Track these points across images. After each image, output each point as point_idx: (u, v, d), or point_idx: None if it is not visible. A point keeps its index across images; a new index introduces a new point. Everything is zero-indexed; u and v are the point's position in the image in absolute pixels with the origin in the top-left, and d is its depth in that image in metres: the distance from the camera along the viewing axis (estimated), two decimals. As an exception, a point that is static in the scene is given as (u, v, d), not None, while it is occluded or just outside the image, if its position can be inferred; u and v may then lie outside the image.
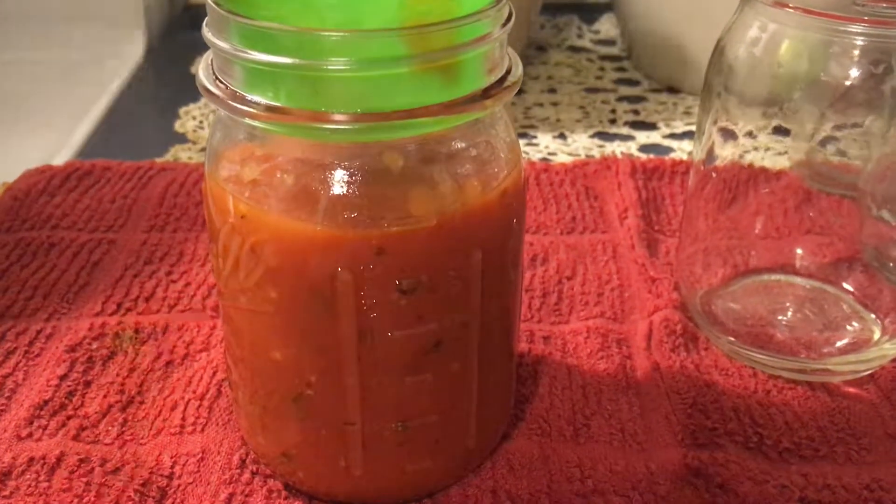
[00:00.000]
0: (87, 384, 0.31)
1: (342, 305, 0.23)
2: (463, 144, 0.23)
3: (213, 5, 0.21)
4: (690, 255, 0.35)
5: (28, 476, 0.27)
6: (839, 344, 0.32)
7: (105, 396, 0.31)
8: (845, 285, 0.35)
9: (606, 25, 0.67)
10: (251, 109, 0.21)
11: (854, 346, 0.32)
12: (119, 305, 0.35)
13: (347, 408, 0.24)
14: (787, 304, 0.35)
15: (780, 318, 0.34)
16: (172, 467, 0.28)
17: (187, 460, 0.28)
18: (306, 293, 0.23)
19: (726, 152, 0.35)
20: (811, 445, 0.29)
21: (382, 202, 0.22)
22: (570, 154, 0.48)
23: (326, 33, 0.20)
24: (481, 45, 0.21)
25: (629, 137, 0.50)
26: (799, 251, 0.36)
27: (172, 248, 0.39)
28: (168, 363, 0.32)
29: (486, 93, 0.22)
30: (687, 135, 0.50)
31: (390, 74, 0.20)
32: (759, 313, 0.34)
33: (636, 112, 0.53)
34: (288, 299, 0.23)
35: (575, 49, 0.63)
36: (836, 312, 0.34)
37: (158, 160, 0.47)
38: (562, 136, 0.50)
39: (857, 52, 0.28)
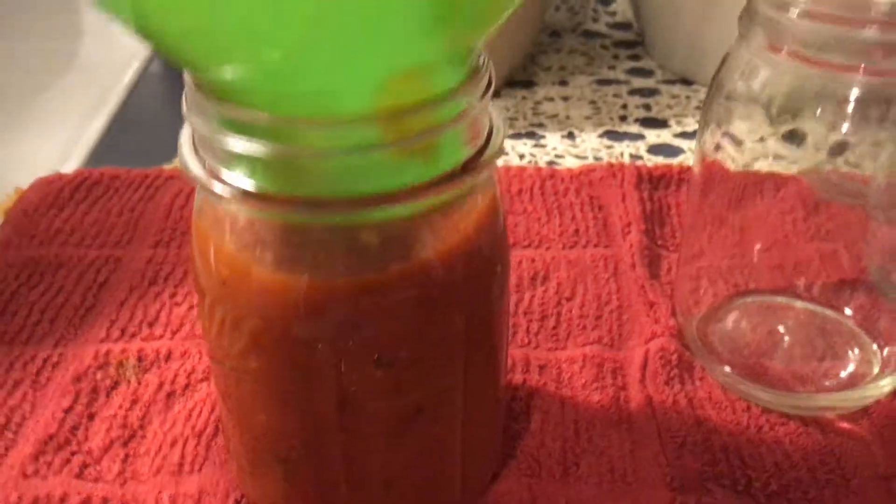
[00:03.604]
0: (91, 417, 0.32)
1: (321, 377, 0.23)
2: (442, 214, 0.23)
3: (191, 85, 0.21)
4: (688, 276, 0.35)
5: (33, 516, 0.28)
6: (836, 379, 0.32)
7: (108, 430, 0.32)
8: (847, 311, 0.35)
9: (623, 5, 0.66)
10: (225, 194, 0.21)
11: (851, 382, 0.32)
12: (123, 331, 0.36)
13: (331, 471, 0.25)
14: (786, 331, 0.34)
15: (777, 346, 0.34)
16: (170, 508, 0.29)
17: (185, 501, 0.29)
18: (286, 365, 0.23)
19: (728, 160, 0.34)
20: (799, 488, 0.29)
21: (360, 278, 0.22)
22: (577, 156, 0.48)
23: (301, 122, 0.20)
24: (460, 121, 0.21)
25: (639, 137, 0.49)
26: (801, 270, 0.36)
27: (177, 266, 0.40)
28: (169, 394, 0.33)
29: (467, 167, 0.22)
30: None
31: (366, 160, 0.20)
32: (756, 341, 0.34)
33: (647, 107, 0.52)
34: (268, 369, 0.23)
35: (589, 34, 0.61)
36: (836, 341, 0.34)
37: (167, 167, 0.48)
38: (570, 135, 0.49)
39: (854, 101, 0.27)
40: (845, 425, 0.31)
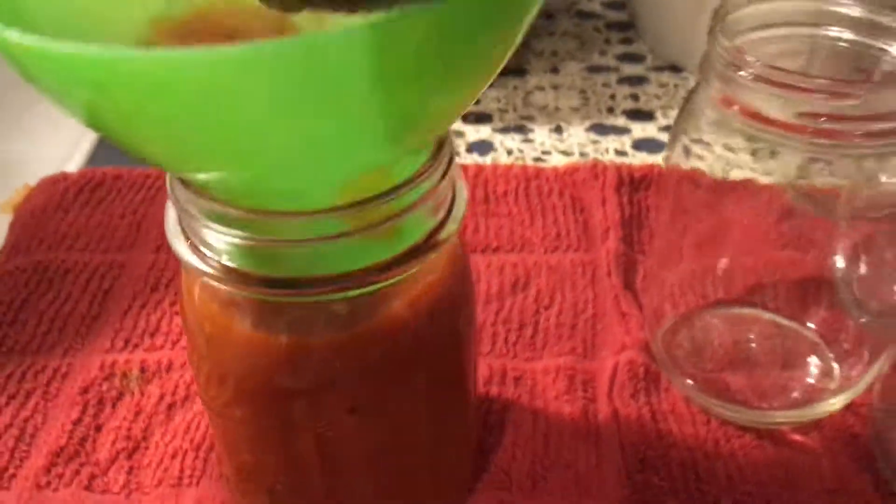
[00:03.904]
0: (98, 429, 0.35)
1: (300, 424, 0.25)
2: (409, 283, 0.25)
3: (177, 181, 0.23)
4: (656, 288, 0.37)
5: (47, 527, 0.31)
6: (792, 395, 0.34)
7: (114, 443, 0.34)
8: (810, 324, 0.36)
9: (619, -20, 0.66)
10: (207, 269, 0.23)
11: (807, 399, 0.34)
12: (127, 342, 0.38)
13: (314, 499, 0.27)
14: (748, 344, 0.36)
15: (739, 359, 0.36)
16: (171, 519, 0.31)
17: (184, 513, 0.32)
18: (268, 414, 0.25)
19: (699, 168, 0.35)
20: (750, 502, 0.31)
21: (333, 338, 0.24)
22: (564, 152, 0.49)
23: (270, 215, 0.22)
24: (422, 203, 0.23)
25: (625, 130, 0.50)
26: (767, 282, 0.38)
27: (177, 272, 0.42)
28: (170, 405, 0.36)
29: (430, 239, 0.24)
30: (682, 127, 0.50)
31: (333, 245, 0.22)
32: (719, 354, 0.36)
33: (635, 97, 0.53)
34: (252, 417, 0.26)
35: (583, 15, 0.62)
36: (797, 355, 0.36)
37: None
38: (558, 129, 0.51)
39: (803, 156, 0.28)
40: (797, 437, 0.33)
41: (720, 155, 0.32)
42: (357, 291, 0.23)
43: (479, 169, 0.47)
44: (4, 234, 0.45)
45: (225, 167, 0.20)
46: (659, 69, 0.56)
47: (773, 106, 0.26)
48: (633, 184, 0.45)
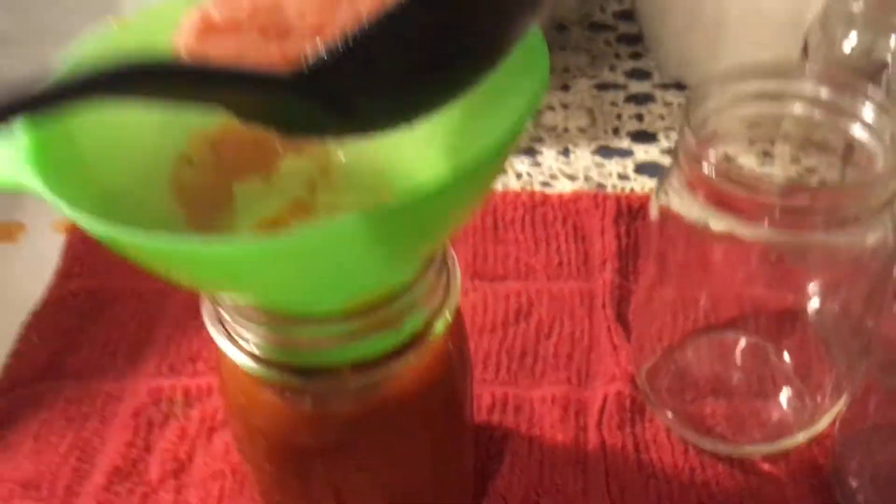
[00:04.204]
0: (148, 450, 0.40)
1: (319, 477, 0.30)
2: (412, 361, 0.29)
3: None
4: (643, 321, 0.41)
5: (108, 541, 0.36)
6: (764, 429, 0.38)
7: (162, 463, 0.39)
8: (785, 353, 0.40)
9: (632, -12, 0.68)
10: (239, 356, 0.27)
11: (776, 433, 0.38)
12: (171, 368, 0.43)
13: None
14: (726, 373, 0.40)
15: (716, 392, 0.39)
16: (213, 536, 0.36)
17: (224, 531, 0.37)
18: (292, 468, 0.30)
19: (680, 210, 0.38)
20: (717, 527, 0.36)
21: (348, 412, 0.28)
22: (570, 176, 0.52)
23: (289, 321, 0.26)
24: (424, 300, 0.27)
25: (628, 153, 0.54)
26: (748, 312, 0.41)
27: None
28: (210, 429, 0.40)
29: (428, 328, 0.28)
30: (683, 150, 0.54)
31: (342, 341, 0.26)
32: (697, 385, 0.40)
33: (640, 118, 0.56)
34: (279, 470, 0.30)
35: (595, 27, 0.65)
36: (771, 386, 0.40)
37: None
38: (566, 151, 0.54)
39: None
40: (766, 467, 0.37)
41: (698, 214, 0.35)
42: (365, 378, 0.27)
43: (490, 194, 0.50)
44: (57, 254, 0.49)
45: (265, 301, 0.24)
46: (664, 87, 0.59)
47: (734, 197, 0.30)
48: (632, 213, 0.48)
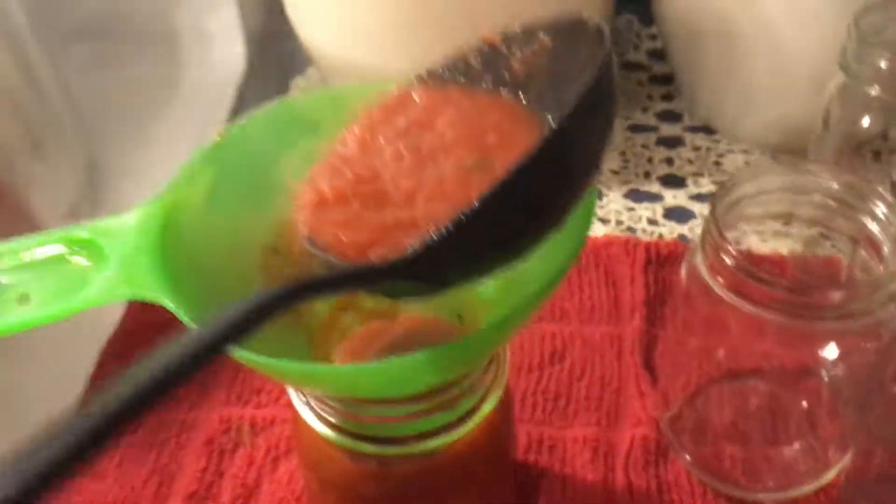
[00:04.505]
0: (220, 475, 0.44)
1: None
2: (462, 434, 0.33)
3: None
4: (667, 371, 0.45)
5: (187, 560, 0.41)
6: (776, 477, 0.42)
7: (233, 489, 0.44)
8: (798, 408, 0.44)
9: (666, 24, 0.71)
10: (318, 428, 0.32)
11: (788, 482, 0.41)
12: (239, 397, 0.48)
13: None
14: (744, 420, 0.44)
15: (733, 436, 0.43)
16: (280, 559, 0.41)
17: (290, 555, 0.41)
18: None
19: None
20: (730, 566, 0.40)
21: (408, 471, 0.33)
22: (602, 220, 0.56)
23: (362, 403, 0.30)
24: (478, 388, 0.31)
25: (658, 198, 0.57)
26: (766, 364, 0.45)
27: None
28: (275, 458, 0.45)
29: (481, 402, 0.32)
30: (709, 196, 0.57)
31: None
32: (716, 431, 0.44)
33: (670, 161, 0.60)
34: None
35: (629, 66, 0.68)
36: (786, 434, 0.43)
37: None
38: (599, 194, 0.58)
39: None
40: (776, 511, 0.42)
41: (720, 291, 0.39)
42: (423, 445, 0.31)
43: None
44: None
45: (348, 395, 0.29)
46: (694, 130, 0.62)
47: (750, 287, 0.34)
48: (660, 261, 0.52)
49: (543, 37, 0.27)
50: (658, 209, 0.57)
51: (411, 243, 0.22)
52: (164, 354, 0.19)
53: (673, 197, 0.57)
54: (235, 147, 0.32)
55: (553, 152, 0.22)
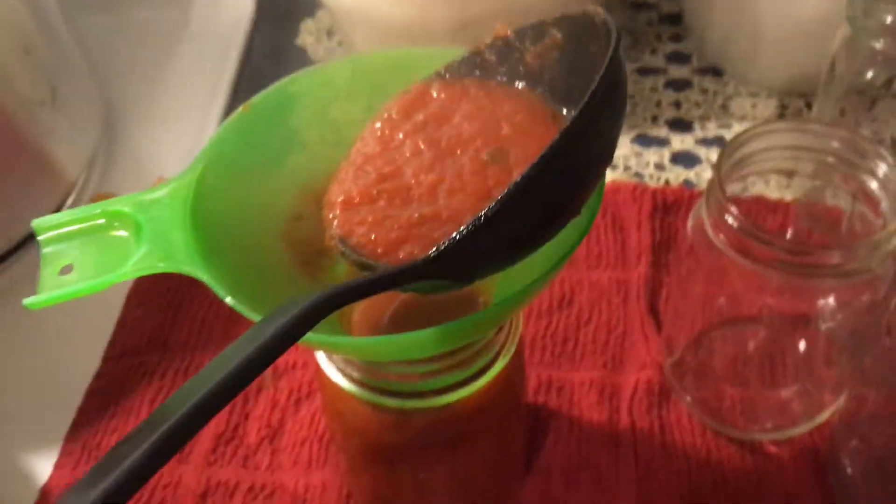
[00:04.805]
0: (246, 417, 0.47)
1: (402, 469, 0.37)
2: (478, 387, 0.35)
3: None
4: (671, 317, 0.47)
5: (218, 497, 0.44)
6: (773, 418, 0.44)
7: (258, 430, 0.46)
8: (796, 352, 0.46)
9: (676, -39, 0.71)
10: (344, 385, 0.34)
11: (783, 423, 0.44)
12: (261, 343, 0.50)
13: (409, 506, 0.39)
14: (742, 366, 0.46)
15: (732, 380, 0.46)
16: (305, 495, 0.44)
17: (314, 491, 0.44)
18: (380, 461, 0.37)
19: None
20: (726, 502, 0.42)
21: (427, 421, 0.35)
22: (611, 166, 0.57)
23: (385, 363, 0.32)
24: (493, 346, 0.33)
25: (665, 143, 0.58)
26: (766, 312, 0.47)
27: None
28: (297, 400, 0.47)
29: (495, 359, 0.34)
30: (716, 141, 0.58)
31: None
32: (717, 374, 0.46)
33: (678, 105, 0.61)
34: (369, 462, 0.37)
35: (638, 6, 0.68)
36: (783, 378, 0.46)
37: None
38: (607, 139, 0.59)
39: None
40: (772, 449, 0.44)
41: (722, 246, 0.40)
42: (441, 399, 0.33)
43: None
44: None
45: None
46: (702, 72, 0.63)
47: (750, 246, 0.35)
48: (666, 207, 0.53)
49: (554, 31, 0.28)
50: (665, 154, 0.58)
51: (438, 241, 0.24)
52: (235, 353, 0.21)
53: (680, 142, 0.59)
54: (258, 117, 0.33)
55: (569, 148, 0.23)
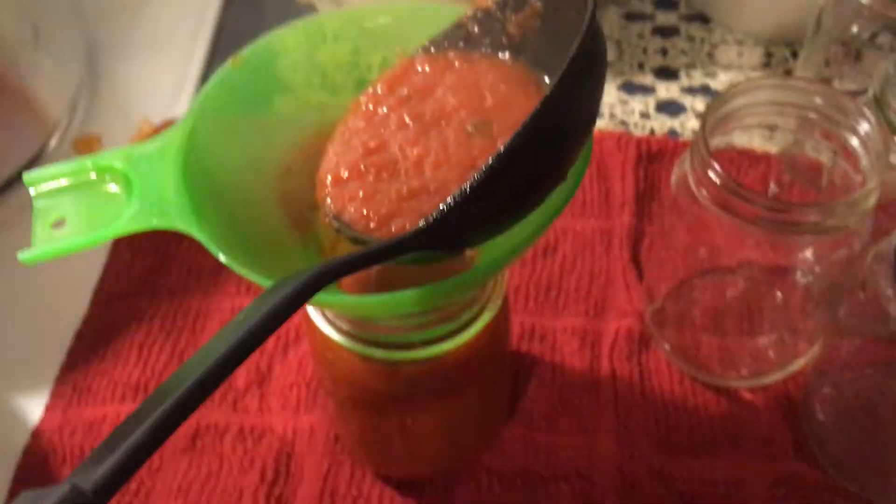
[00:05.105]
0: (235, 361, 0.48)
1: (390, 413, 0.38)
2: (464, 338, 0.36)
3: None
4: (653, 267, 0.48)
5: (208, 439, 0.45)
6: (748, 366, 0.45)
7: (247, 374, 0.47)
8: (773, 303, 0.47)
9: None
10: (333, 336, 0.34)
11: (759, 370, 0.45)
12: (249, 289, 0.50)
13: (394, 450, 0.40)
14: (720, 315, 0.47)
15: (710, 327, 0.47)
16: (294, 437, 0.45)
17: (303, 434, 0.45)
18: (368, 407, 0.38)
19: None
20: (702, 446, 0.44)
21: (414, 369, 0.36)
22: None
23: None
24: (480, 300, 0.34)
25: (650, 91, 0.59)
26: (745, 260, 0.48)
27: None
28: (285, 346, 0.48)
29: (480, 313, 0.35)
30: (701, 89, 0.58)
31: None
32: (695, 323, 0.47)
33: (664, 52, 0.61)
34: (358, 407, 0.38)
35: (627, -52, 0.67)
36: (759, 326, 0.47)
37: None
38: (593, 86, 0.59)
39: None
40: (747, 395, 0.45)
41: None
42: (428, 350, 0.34)
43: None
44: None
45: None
46: (689, 19, 0.62)
47: (732, 203, 0.36)
48: (650, 157, 0.54)
49: (534, 0, 0.29)
50: (650, 102, 0.58)
51: (427, 213, 0.24)
52: (241, 323, 0.21)
53: (666, 90, 0.59)
54: (248, 72, 0.33)
55: (550, 116, 0.24)
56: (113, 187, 0.30)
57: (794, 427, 0.44)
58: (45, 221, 0.29)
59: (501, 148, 0.23)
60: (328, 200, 0.28)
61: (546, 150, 0.25)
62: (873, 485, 0.42)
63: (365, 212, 0.27)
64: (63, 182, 0.30)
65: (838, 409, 0.44)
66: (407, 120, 0.28)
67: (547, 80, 0.28)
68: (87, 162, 0.29)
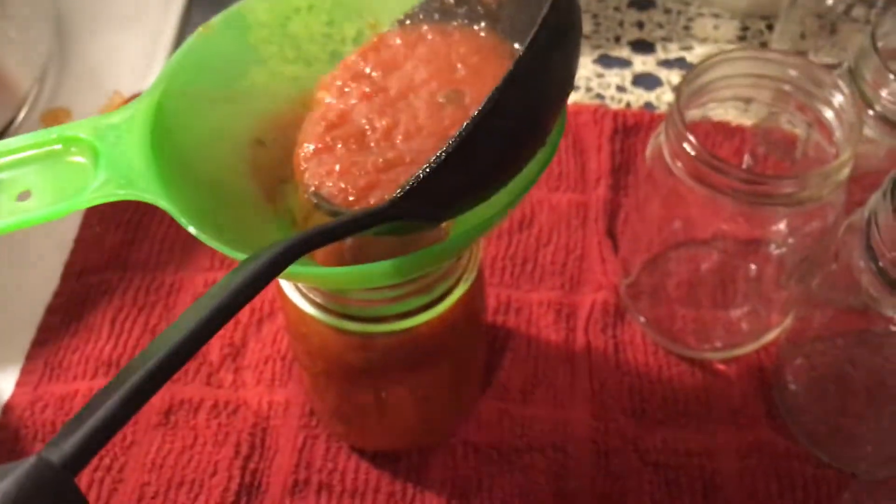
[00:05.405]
0: (209, 336, 0.47)
1: (364, 385, 0.38)
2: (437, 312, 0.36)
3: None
4: (628, 240, 0.48)
5: (181, 414, 0.45)
6: (722, 338, 0.46)
7: (221, 348, 0.47)
8: (746, 275, 0.47)
9: None
10: (308, 310, 0.34)
11: (731, 343, 0.45)
12: (222, 262, 0.50)
13: (370, 424, 0.40)
14: (694, 288, 0.48)
15: (684, 299, 0.47)
16: (268, 412, 0.45)
17: (277, 408, 0.45)
18: (342, 379, 0.38)
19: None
20: (676, 417, 0.44)
21: (388, 342, 0.36)
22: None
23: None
24: (453, 274, 0.34)
25: (627, 63, 0.58)
26: (719, 233, 0.48)
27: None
28: (259, 319, 0.48)
29: (455, 286, 0.35)
30: (677, 62, 0.58)
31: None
32: (670, 296, 0.47)
33: (641, 25, 0.60)
34: (333, 380, 0.38)
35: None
36: (733, 299, 0.47)
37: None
38: (570, 58, 0.58)
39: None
40: (720, 367, 0.46)
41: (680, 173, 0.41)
42: (402, 324, 0.34)
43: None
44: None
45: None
46: (666, -9, 0.62)
47: (707, 175, 0.36)
48: (626, 130, 0.54)
49: None
50: (627, 75, 0.58)
51: (403, 182, 0.24)
52: (215, 294, 0.21)
53: (642, 63, 0.59)
54: (217, 38, 0.32)
55: (520, 83, 0.23)
56: (79, 158, 0.29)
57: (767, 397, 0.44)
58: (9, 193, 0.28)
59: (473, 114, 0.23)
60: (305, 176, 0.28)
61: (519, 115, 0.24)
62: (844, 454, 0.42)
63: (343, 185, 0.27)
64: (27, 153, 0.29)
65: (810, 380, 0.45)
66: (368, 91, 0.28)
67: (518, 48, 0.28)
68: (53, 133, 0.29)
